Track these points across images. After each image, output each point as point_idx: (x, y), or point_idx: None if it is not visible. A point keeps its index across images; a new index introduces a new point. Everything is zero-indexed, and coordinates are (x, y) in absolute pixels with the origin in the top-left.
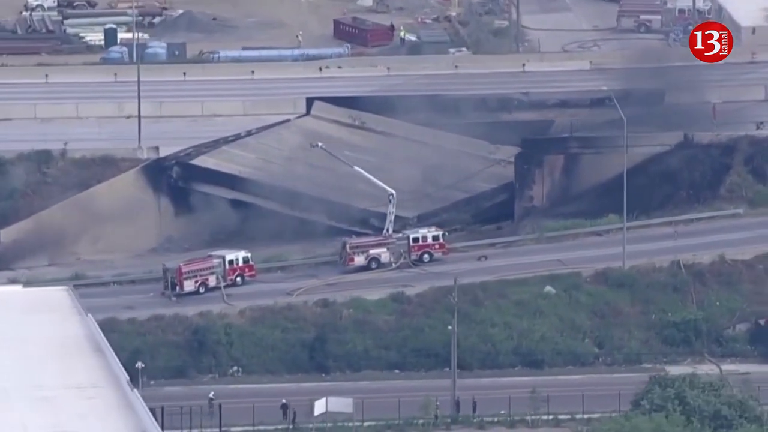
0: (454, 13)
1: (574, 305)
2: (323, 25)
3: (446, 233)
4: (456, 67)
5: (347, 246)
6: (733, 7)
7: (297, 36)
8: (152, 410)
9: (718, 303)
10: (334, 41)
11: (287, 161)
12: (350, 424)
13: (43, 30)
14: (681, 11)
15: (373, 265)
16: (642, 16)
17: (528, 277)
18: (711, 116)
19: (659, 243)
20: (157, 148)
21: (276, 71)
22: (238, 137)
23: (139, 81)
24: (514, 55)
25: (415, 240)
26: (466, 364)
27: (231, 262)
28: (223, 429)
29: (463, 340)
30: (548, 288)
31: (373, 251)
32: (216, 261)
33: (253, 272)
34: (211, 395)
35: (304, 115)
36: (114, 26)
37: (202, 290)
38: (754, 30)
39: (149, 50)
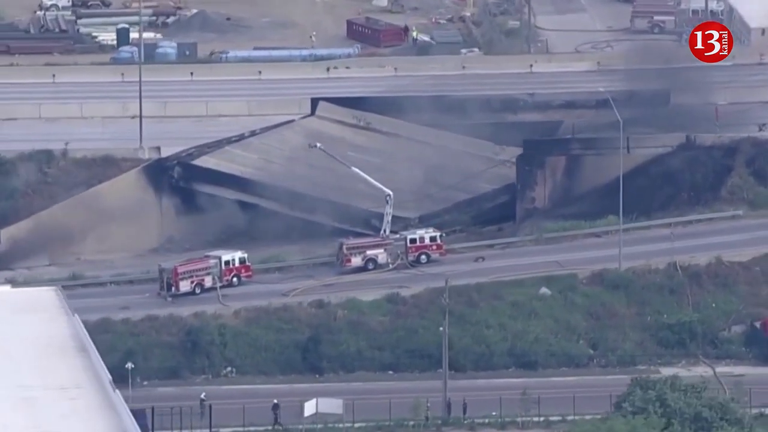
0: (468, 14)
1: (569, 306)
2: (337, 26)
3: (444, 234)
4: (464, 67)
5: (344, 247)
6: (743, 9)
7: (310, 36)
8: (142, 411)
9: (714, 305)
10: (348, 41)
11: (289, 161)
12: (340, 425)
13: (56, 30)
14: (694, 12)
15: (370, 266)
16: (655, 17)
17: (524, 278)
18: (714, 117)
19: (657, 244)
20: (158, 148)
21: (283, 71)
22: (241, 137)
23: (140, 81)
24: (521, 56)
25: (413, 241)
26: (459, 365)
27: (227, 262)
28: (213, 430)
29: (458, 341)
30: (544, 289)
31: (370, 252)
32: (212, 261)
33: (250, 273)
34: (202, 396)
35: (308, 116)
36: (126, 26)
37: (198, 291)
38: (763, 31)
39: (159, 50)
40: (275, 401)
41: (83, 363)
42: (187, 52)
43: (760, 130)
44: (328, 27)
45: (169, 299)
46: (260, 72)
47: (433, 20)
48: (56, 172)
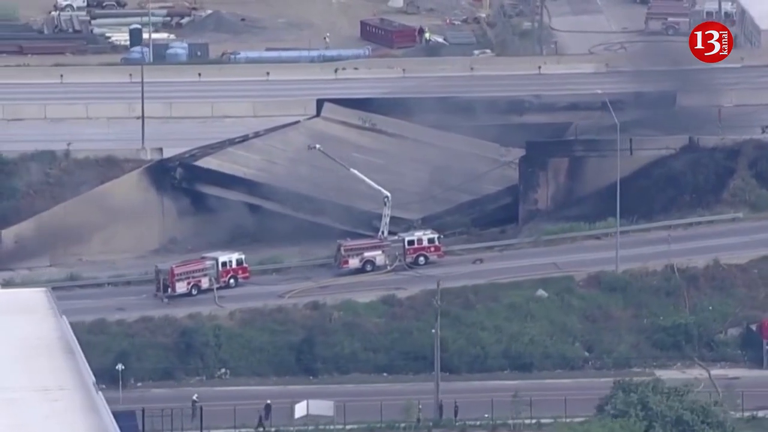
0: (483, 15)
1: (565, 309)
2: (352, 26)
3: (441, 236)
4: (472, 69)
5: (342, 248)
6: (754, 10)
7: (324, 37)
8: (132, 412)
9: (711, 307)
10: (361, 42)
11: (292, 163)
12: (331, 427)
13: (70, 30)
14: (708, 14)
15: (368, 267)
16: (670, 19)
17: (521, 280)
18: (717, 119)
19: (655, 247)
20: (160, 149)
21: (291, 73)
22: (245, 138)
23: (143, 81)
24: (530, 58)
25: (410, 243)
26: (454, 367)
27: (224, 263)
28: (203, 431)
29: (452, 343)
30: (540, 291)
31: (367, 254)
32: (209, 263)
33: (247, 274)
34: (194, 397)
35: (313, 117)
36: (139, 26)
37: (194, 292)
38: None
39: (170, 51)
40: (268, 401)
41: (68, 364)
42: (199, 53)
43: (764, 132)
44: (342, 28)
45: (166, 300)
46: (268, 73)
47: (448, 21)
48: (58, 173)
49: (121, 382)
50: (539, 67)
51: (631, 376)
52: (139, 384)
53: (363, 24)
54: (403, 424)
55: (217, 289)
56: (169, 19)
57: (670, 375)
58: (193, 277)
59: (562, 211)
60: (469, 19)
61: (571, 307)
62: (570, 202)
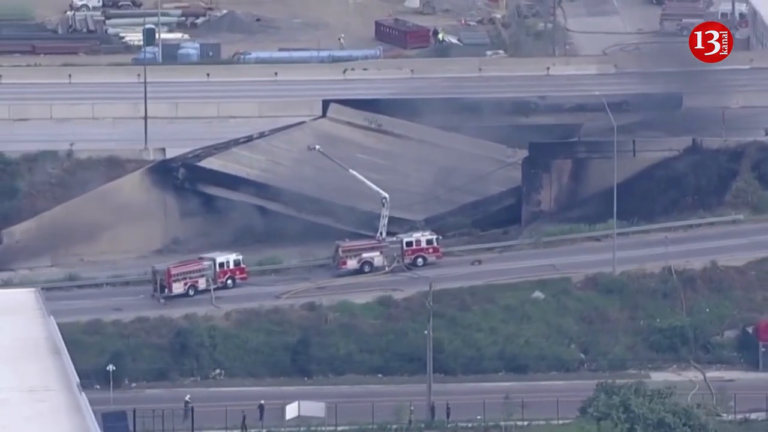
0: (499, 16)
1: (562, 310)
2: (367, 27)
3: (442, 237)
4: (480, 69)
5: (340, 249)
6: (765, 11)
7: (339, 38)
8: (123, 412)
9: (707, 309)
10: (375, 43)
11: (296, 163)
12: (322, 428)
13: (84, 30)
14: (723, 15)
15: (366, 268)
16: (684, 20)
17: (518, 282)
18: (721, 121)
19: (654, 249)
20: (163, 150)
21: (299, 73)
22: (249, 139)
23: (145, 81)
24: (539, 59)
25: (409, 244)
26: (449, 368)
27: (221, 264)
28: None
29: (448, 344)
30: (537, 293)
31: (366, 255)
32: (206, 263)
33: (245, 275)
34: (187, 398)
35: (319, 117)
36: (153, 26)
37: (191, 293)
38: None
39: (181, 51)
40: (262, 402)
41: (54, 365)
42: (211, 53)
43: (767, 134)
44: (357, 28)
45: (162, 301)
46: (276, 73)
47: (463, 22)
48: (61, 173)
49: (111, 383)
50: (548, 69)
51: (626, 378)
52: (134, 384)
53: (377, 24)
54: (394, 426)
55: (215, 289)
56: (184, 19)
57: (666, 377)
58: (190, 278)
59: (565, 212)
60: (485, 19)
61: (568, 308)
62: (573, 203)
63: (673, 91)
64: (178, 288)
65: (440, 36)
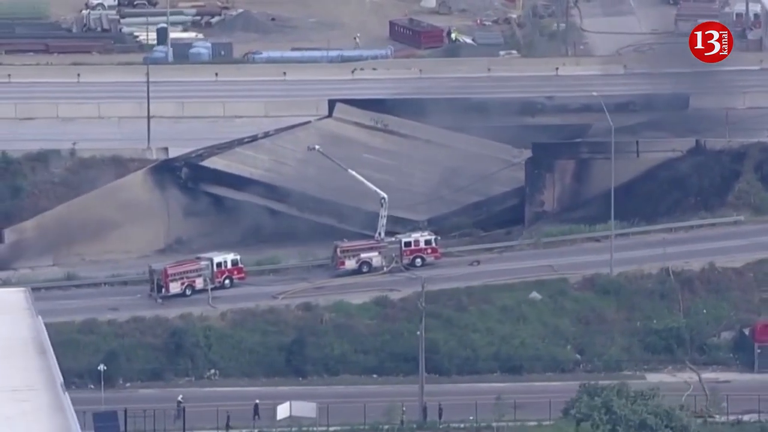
0: (514, 16)
1: (558, 311)
2: (383, 26)
3: (441, 237)
4: (489, 69)
5: (338, 249)
6: None
7: (354, 38)
8: (114, 412)
9: (705, 311)
10: (390, 42)
11: (300, 163)
12: (314, 428)
13: (99, 29)
14: (738, 15)
15: (365, 268)
16: (699, 20)
17: (515, 282)
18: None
19: (653, 249)
20: (166, 149)
21: (307, 73)
22: (253, 139)
23: (148, 81)
24: (548, 59)
25: (407, 244)
26: (444, 369)
27: (219, 264)
28: None
29: (443, 345)
30: (534, 294)
31: (364, 255)
32: (203, 263)
33: (243, 275)
34: (179, 398)
35: (324, 117)
36: (165, 26)
37: (188, 292)
38: None
39: (193, 50)
40: (256, 402)
41: (40, 365)
42: (222, 53)
43: None
44: (373, 28)
45: (160, 301)
46: (285, 73)
47: (479, 22)
48: (63, 172)
49: (102, 383)
50: (557, 69)
51: (621, 379)
52: (128, 384)
53: (392, 24)
54: (386, 427)
55: (212, 289)
56: (198, 18)
57: (661, 378)
58: (188, 278)
59: (568, 213)
60: (501, 19)
61: (564, 309)
62: (576, 204)
63: (680, 91)
64: (175, 288)
65: (453, 36)
